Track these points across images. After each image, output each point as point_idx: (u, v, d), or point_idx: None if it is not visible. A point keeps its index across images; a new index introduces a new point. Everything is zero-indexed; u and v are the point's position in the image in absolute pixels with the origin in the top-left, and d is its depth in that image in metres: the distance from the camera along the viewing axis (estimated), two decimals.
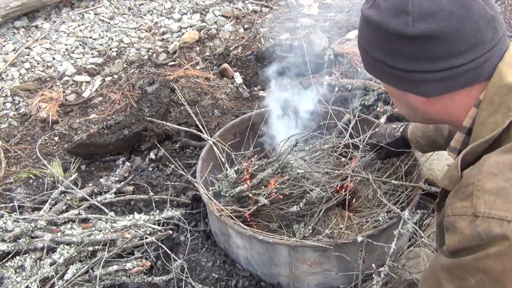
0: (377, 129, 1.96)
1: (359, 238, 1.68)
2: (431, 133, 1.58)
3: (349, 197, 1.96)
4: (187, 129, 2.66)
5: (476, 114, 0.89)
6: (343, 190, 1.96)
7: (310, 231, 1.88)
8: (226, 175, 2.05)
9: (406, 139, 1.74)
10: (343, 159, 2.11)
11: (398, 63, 0.91)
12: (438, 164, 2.30)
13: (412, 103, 0.98)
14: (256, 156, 2.21)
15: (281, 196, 2.00)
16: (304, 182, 1.96)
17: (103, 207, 2.27)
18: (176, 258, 2.00)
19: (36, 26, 4.38)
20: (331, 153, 2.12)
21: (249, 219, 2.02)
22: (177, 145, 2.89)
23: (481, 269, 0.72)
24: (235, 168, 2.06)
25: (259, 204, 1.92)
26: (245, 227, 1.86)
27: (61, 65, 3.89)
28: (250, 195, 1.98)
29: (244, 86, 3.55)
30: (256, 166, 2.04)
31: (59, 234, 2.01)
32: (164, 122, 2.78)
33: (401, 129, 1.77)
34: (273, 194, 1.94)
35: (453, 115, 0.95)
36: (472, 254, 0.74)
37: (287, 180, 1.95)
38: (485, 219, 0.72)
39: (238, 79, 3.62)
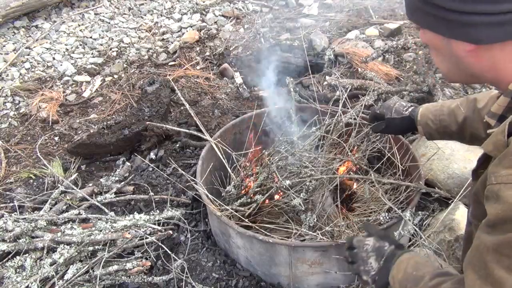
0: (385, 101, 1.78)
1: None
2: (444, 117, 1.46)
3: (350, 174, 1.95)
4: (187, 130, 2.65)
5: None
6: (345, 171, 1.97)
7: (315, 219, 1.87)
8: (227, 191, 2.07)
9: (414, 120, 1.60)
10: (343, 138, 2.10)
11: (452, 4, 0.81)
12: (438, 164, 2.30)
13: (457, 54, 0.88)
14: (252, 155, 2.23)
15: (281, 193, 2.01)
16: (302, 171, 1.97)
17: (103, 207, 2.27)
18: (176, 258, 2.00)
19: (36, 26, 4.39)
20: (325, 134, 2.11)
21: (249, 219, 2.03)
22: (177, 145, 2.90)
23: None
24: (235, 183, 2.08)
25: (258, 202, 1.93)
26: (248, 223, 1.87)
27: (61, 65, 3.89)
28: (251, 195, 1.99)
29: (244, 86, 3.55)
30: (253, 178, 2.06)
31: (59, 234, 2.01)
32: (164, 125, 2.76)
33: (410, 109, 1.62)
34: (273, 190, 1.96)
35: (499, 73, 0.85)
36: None
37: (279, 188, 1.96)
38: None
39: (238, 79, 3.62)
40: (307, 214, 1.92)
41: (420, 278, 1.02)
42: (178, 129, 2.68)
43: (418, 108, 1.59)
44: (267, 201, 2.05)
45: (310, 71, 2.88)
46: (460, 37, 0.84)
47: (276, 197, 2.05)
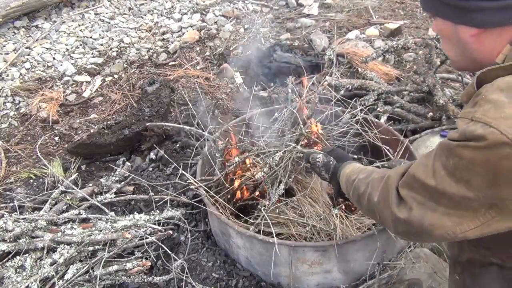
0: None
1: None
2: None
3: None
4: (187, 127, 2.65)
5: (510, 50, 0.93)
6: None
7: (283, 188, 1.91)
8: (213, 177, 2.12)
9: None
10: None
11: None
12: None
13: (463, 39, 0.99)
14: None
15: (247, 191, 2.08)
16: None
17: (103, 207, 2.27)
18: (177, 258, 2.00)
19: (37, 26, 4.39)
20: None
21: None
22: (177, 145, 2.89)
23: (458, 154, 0.86)
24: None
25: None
26: (245, 225, 1.87)
27: (61, 65, 3.89)
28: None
29: (244, 86, 3.55)
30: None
31: (59, 234, 2.01)
32: (164, 123, 2.75)
33: None
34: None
35: (494, 56, 0.96)
36: (456, 142, 0.88)
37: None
38: (476, 123, 0.84)
39: (238, 79, 3.62)
40: (273, 187, 1.93)
41: (364, 170, 1.27)
42: (180, 126, 2.66)
43: None
44: (246, 193, 2.13)
45: (310, 71, 2.88)
46: (466, 22, 0.95)
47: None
